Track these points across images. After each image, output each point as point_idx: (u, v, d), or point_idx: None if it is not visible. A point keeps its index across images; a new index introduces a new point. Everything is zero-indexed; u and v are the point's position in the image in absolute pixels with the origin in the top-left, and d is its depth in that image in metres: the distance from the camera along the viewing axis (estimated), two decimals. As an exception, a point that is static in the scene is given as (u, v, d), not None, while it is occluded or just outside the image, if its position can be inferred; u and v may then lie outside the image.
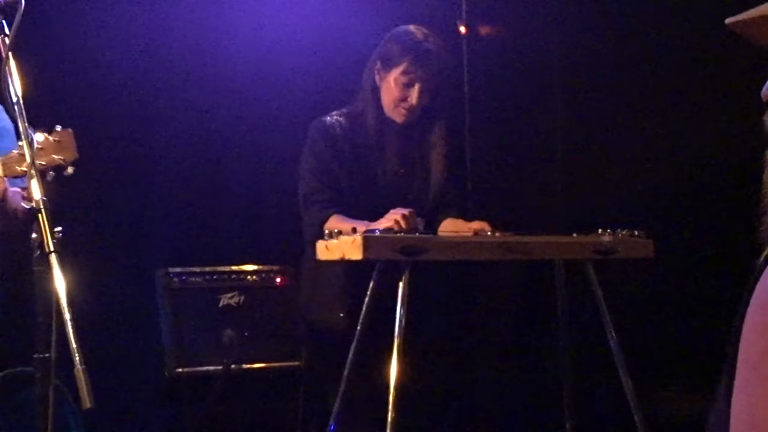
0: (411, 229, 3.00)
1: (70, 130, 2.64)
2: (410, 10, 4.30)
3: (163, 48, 4.22)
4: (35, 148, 2.50)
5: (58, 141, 2.60)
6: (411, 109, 3.28)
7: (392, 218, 3.02)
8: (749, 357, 1.15)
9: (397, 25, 3.43)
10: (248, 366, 3.93)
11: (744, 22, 1.34)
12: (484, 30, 4.62)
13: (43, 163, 2.55)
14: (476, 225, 3.17)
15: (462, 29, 4.54)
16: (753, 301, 1.17)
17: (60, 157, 2.59)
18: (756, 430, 1.11)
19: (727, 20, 1.38)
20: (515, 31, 4.62)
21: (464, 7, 4.52)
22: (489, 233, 3.07)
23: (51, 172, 2.57)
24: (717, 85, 4.27)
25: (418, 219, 3.14)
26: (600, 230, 3.17)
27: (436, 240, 3.00)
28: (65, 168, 2.60)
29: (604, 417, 3.90)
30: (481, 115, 4.53)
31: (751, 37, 1.37)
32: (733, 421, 1.17)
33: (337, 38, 4.30)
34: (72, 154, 2.61)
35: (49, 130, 2.63)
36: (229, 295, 3.99)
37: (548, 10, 4.52)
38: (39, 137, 2.58)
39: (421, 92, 3.25)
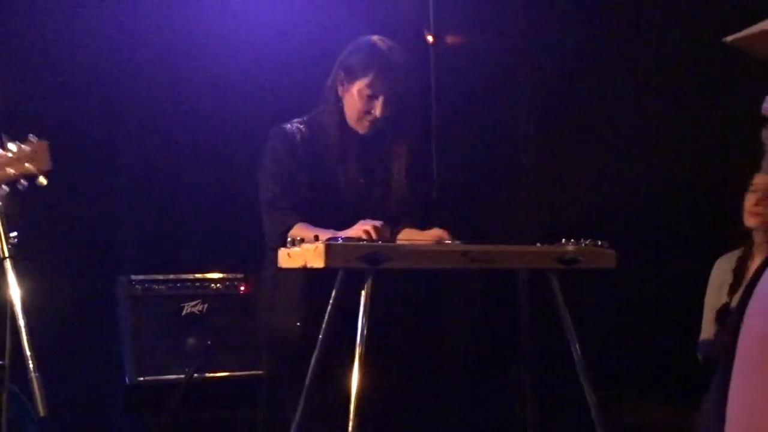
0: (381, 241, 2.98)
1: (45, 140, 2.63)
2: (377, 19, 4.30)
3: (126, 55, 4.20)
4: (8, 157, 2.50)
5: (32, 151, 2.59)
6: (374, 121, 3.28)
7: (362, 229, 3.00)
8: (749, 358, 1.14)
9: (364, 34, 3.42)
10: (211, 374, 3.91)
11: (745, 38, 1.34)
12: (451, 39, 4.63)
13: (15, 172, 2.54)
14: (435, 233, 3.16)
15: (429, 38, 4.55)
16: (753, 304, 1.16)
17: (33, 167, 2.58)
18: (754, 429, 1.10)
19: (727, 38, 1.38)
20: (482, 41, 4.63)
21: (431, 16, 4.53)
22: (448, 242, 3.06)
23: (23, 182, 2.57)
24: (683, 97, 4.30)
25: (388, 230, 3.12)
26: (564, 240, 3.17)
27: (399, 248, 2.98)
28: (37, 178, 2.59)
29: (566, 425, 3.90)
30: (448, 124, 4.53)
31: (754, 52, 1.37)
32: (729, 420, 1.16)
33: (301, 46, 4.29)
34: (46, 164, 2.60)
35: (23, 140, 2.62)
36: (193, 303, 3.97)
37: (515, 20, 4.53)
38: (12, 146, 2.57)
39: (384, 104, 3.25)
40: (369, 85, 3.23)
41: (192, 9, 4.28)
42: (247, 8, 4.36)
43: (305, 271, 2.93)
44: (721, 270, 3.76)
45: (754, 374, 1.13)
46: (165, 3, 4.27)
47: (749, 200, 3.68)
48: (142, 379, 3.83)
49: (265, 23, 4.35)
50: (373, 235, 2.95)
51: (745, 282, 3.67)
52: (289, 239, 2.94)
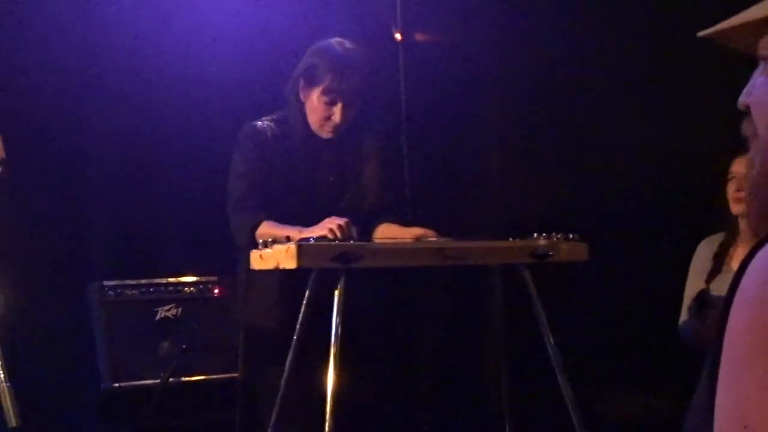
0: (346, 238, 2.97)
1: None
2: (345, 18, 4.30)
3: (94, 54, 4.17)
4: None
5: None
6: (336, 127, 3.25)
7: (326, 227, 2.98)
8: (736, 354, 1.14)
9: (331, 32, 3.41)
10: (187, 379, 3.89)
11: (722, 31, 1.33)
12: (419, 36, 4.63)
13: None
14: (418, 231, 3.14)
15: (397, 36, 4.54)
16: (738, 297, 1.16)
17: None
18: (746, 427, 1.10)
19: (701, 33, 1.36)
20: (451, 38, 4.63)
21: (399, 13, 4.52)
22: (433, 239, 3.05)
23: None
24: (659, 86, 4.31)
25: (353, 227, 3.11)
26: (536, 234, 3.17)
27: (372, 247, 2.98)
28: None
29: (544, 420, 3.91)
30: (418, 122, 4.53)
31: (732, 45, 1.36)
32: (719, 419, 1.15)
33: (268, 45, 4.27)
34: None
35: None
36: (166, 307, 3.95)
37: (483, 16, 4.53)
38: None
39: (344, 109, 3.22)
40: (325, 92, 3.20)
41: (164, 8, 4.26)
42: (216, 7, 4.34)
43: (281, 272, 2.92)
44: (705, 254, 3.75)
45: (740, 366, 1.13)
46: (136, 1, 4.24)
47: (731, 188, 3.69)
48: (117, 385, 3.81)
49: (234, 23, 4.33)
50: (338, 234, 2.94)
51: (725, 269, 3.68)
52: (260, 241, 2.93)
